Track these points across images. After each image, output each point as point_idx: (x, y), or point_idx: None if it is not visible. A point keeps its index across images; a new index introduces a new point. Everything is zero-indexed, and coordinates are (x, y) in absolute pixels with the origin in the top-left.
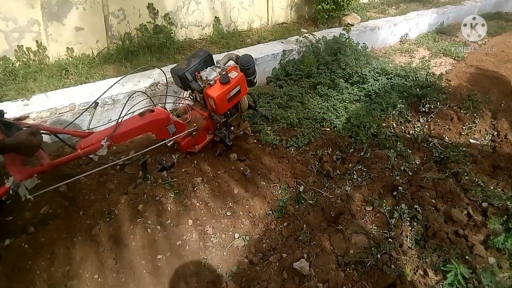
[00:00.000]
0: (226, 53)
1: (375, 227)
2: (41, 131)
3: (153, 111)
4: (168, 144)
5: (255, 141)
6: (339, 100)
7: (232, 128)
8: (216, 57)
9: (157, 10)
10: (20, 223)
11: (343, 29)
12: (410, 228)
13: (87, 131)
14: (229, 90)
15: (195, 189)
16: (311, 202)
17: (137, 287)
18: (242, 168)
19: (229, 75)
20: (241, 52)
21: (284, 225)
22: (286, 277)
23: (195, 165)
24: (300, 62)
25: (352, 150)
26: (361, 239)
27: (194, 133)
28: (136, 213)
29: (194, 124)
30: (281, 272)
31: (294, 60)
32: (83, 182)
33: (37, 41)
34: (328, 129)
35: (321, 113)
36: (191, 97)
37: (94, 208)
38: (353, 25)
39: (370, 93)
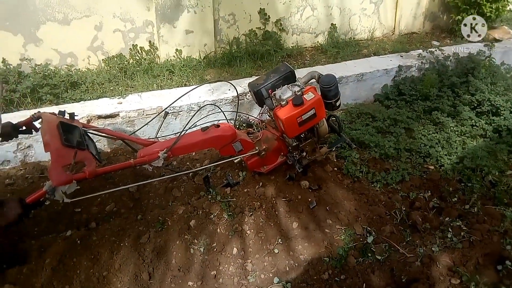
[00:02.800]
0: (309, 71)
1: None
2: (108, 136)
3: (218, 126)
4: (235, 161)
5: (335, 169)
6: (457, 132)
7: (305, 153)
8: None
9: (269, 16)
10: (85, 217)
11: (484, 45)
12: None
13: (152, 139)
14: (300, 114)
15: (250, 214)
16: (379, 258)
17: None
18: (309, 200)
19: (304, 96)
20: (348, 64)
21: (340, 278)
22: None
23: (259, 187)
24: (419, 81)
25: (456, 199)
26: None
27: (262, 154)
28: (186, 228)
29: (264, 145)
30: None
31: (411, 78)
32: (153, 185)
33: (149, 42)
34: (433, 167)
35: (428, 146)
36: (269, 114)
37: (152, 214)
38: (501, 41)
39: (501, 129)
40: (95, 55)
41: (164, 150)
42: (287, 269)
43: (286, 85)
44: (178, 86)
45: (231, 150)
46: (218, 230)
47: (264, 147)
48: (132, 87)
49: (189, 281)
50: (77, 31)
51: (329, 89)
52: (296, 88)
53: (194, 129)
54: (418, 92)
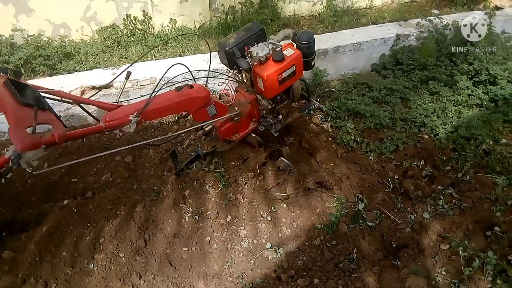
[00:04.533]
0: (282, 30)
1: (443, 273)
2: (64, 100)
3: (192, 86)
4: (206, 129)
5: (329, 138)
6: (452, 102)
7: (280, 117)
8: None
9: None
10: (81, 186)
11: (485, 13)
12: (490, 286)
13: (116, 103)
14: (282, 70)
15: (244, 183)
16: (371, 224)
17: (154, 275)
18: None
19: (284, 52)
20: (345, 33)
21: (331, 244)
22: None
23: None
24: (417, 50)
25: (448, 168)
26: (419, 283)
27: (236, 119)
28: (181, 197)
29: (237, 108)
30: None
31: (409, 48)
32: (149, 155)
33: (143, 11)
34: (427, 136)
35: (423, 116)
36: (237, 78)
37: (148, 183)
38: (502, 8)
39: (497, 98)
40: (89, 25)
41: (135, 114)
42: (279, 235)
43: (262, 43)
44: (172, 57)
45: (205, 115)
46: (213, 199)
47: (237, 111)
48: (125, 57)
49: (184, 247)
50: (70, 1)
51: (307, 45)
52: (273, 45)
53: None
54: (415, 62)
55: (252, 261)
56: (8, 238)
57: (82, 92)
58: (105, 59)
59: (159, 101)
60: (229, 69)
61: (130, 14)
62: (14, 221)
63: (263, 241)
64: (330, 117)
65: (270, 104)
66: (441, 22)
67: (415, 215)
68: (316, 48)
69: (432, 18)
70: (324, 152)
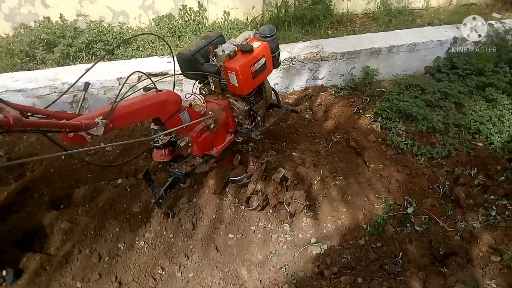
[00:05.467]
0: (241, 33)
1: (493, 285)
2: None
3: (160, 90)
4: (181, 144)
5: (378, 139)
6: (510, 110)
7: (259, 118)
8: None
9: None
10: (133, 168)
11: None
12: None
13: (77, 113)
14: (253, 61)
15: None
16: (418, 229)
17: (200, 258)
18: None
19: (254, 44)
20: (400, 33)
21: (376, 245)
22: None
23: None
24: (474, 54)
25: (503, 178)
26: None
27: (212, 126)
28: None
29: (210, 112)
30: None
31: (466, 52)
32: None
33: (198, 2)
34: (481, 144)
35: (478, 123)
36: (204, 91)
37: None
38: None
39: None
40: (146, 14)
41: (102, 116)
42: (324, 231)
43: (227, 42)
44: None
45: (179, 122)
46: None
47: (213, 116)
48: (180, 47)
49: (230, 234)
50: None
51: (271, 38)
52: (238, 42)
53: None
54: (472, 67)
55: (295, 254)
56: (66, 210)
57: (139, 78)
58: (161, 47)
59: (129, 104)
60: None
61: (185, 5)
62: (72, 195)
63: (308, 235)
64: (380, 117)
65: (246, 105)
66: (503, 26)
67: (465, 223)
68: (369, 47)
69: (493, 22)
70: (373, 152)
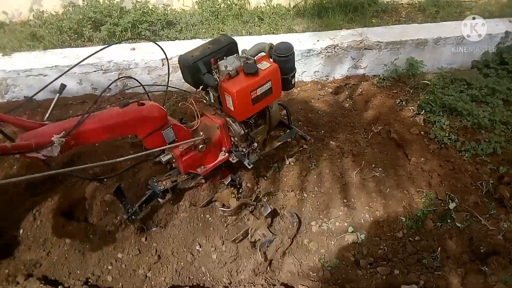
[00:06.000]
0: (257, 43)
1: None
2: None
3: (142, 104)
4: (163, 160)
5: (422, 132)
6: None
7: (255, 145)
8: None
9: None
10: None
11: None
12: None
13: (40, 122)
14: (255, 86)
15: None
16: (459, 225)
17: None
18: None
19: (258, 65)
20: (447, 25)
21: (414, 239)
22: None
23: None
24: None
25: None
26: None
27: (201, 146)
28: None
29: (202, 133)
30: None
31: None
32: None
33: None
34: None
35: None
36: (206, 100)
37: None
38: None
39: None
40: None
41: (62, 133)
42: (362, 221)
43: (232, 56)
44: (266, 34)
45: (160, 140)
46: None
47: (205, 137)
48: (222, 31)
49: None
50: None
51: (286, 59)
52: (246, 58)
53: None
54: None
55: (332, 242)
56: (108, 183)
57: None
58: (204, 30)
59: (98, 119)
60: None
61: None
62: (114, 169)
63: (345, 224)
64: (423, 110)
65: (243, 129)
66: None
67: (509, 223)
68: (415, 37)
69: None
70: (415, 145)
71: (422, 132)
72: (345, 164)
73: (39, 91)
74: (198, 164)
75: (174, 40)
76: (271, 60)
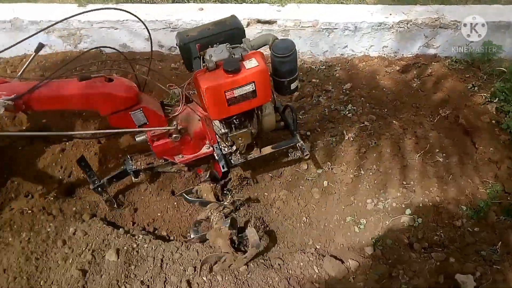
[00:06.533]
0: (264, 34)
1: None
2: None
3: (111, 80)
4: (137, 140)
5: (493, 121)
6: None
7: (234, 148)
8: None
9: None
10: None
11: None
12: None
13: (3, 78)
14: (232, 86)
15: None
16: None
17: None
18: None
19: (244, 62)
20: None
21: (473, 229)
22: (440, 282)
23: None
24: None
25: None
26: None
27: (174, 136)
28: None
29: (181, 124)
30: (438, 274)
31: None
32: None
33: None
34: None
35: None
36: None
37: None
38: None
39: None
40: None
41: (13, 96)
42: (420, 205)
43: (225, 44)
44: (335, 3)
45: (128, 121)
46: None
47: (180, 127)
48: None
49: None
50: None
51: (282, 60)
52: (238, 50)
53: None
54: None
55: (387, 222)
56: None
57: (248, 24)
58: None
59: (55, 88)
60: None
61: None
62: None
63: (403, 206)
64: (497, 98)
65: (223, 128)
66: None
67: None
68: (497, 20)
69: None
70: (485, 134)
71: (493, 121)
72: (407, 145)
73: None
74: (175, 152)
75: (241, 3)
76: (262, 57)
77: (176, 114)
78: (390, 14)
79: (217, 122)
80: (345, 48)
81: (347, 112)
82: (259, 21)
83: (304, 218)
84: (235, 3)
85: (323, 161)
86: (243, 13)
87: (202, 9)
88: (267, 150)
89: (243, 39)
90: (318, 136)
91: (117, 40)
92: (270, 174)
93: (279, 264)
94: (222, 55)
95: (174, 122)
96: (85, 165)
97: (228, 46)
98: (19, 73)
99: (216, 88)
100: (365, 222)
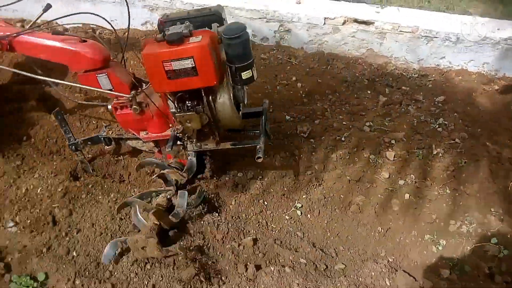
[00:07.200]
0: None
1: None
2: None
3: (85, 41)
4: (108, 107)
5: None
6: None
7: (179, 127)
8: None
9: None
10: None
11: None
12: None
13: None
14: (170, 56)
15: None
16: None
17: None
18: None
19: (191, 38)
20: None
21: None
22: None
23: None
24: None
25: None
26: None
27: (135, 108)
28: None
29: (145, 99)
30: None
31: None
32: None
33: None
34: None
35: None
36: None
37: None
38: None
39: None
40: None
41: (1, 34)
42: (509, 236)
43: (187, 23)
44: (437, 11)
45: (94, 82)
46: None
47: (141, 100)
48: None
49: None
50: None
51: (229, 42)
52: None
53: None
54: None
55: (468, 247)
56: None
57: (344, 22)
58: None
59: (37, 37)
60: None
61: None
62: None
63: (489, 234)
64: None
65: (174, 107)
66: None
67: None
68: None
69: None
70: None
71: None
72: (500, 171)
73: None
74: (139, 126)
75: (339, 0)
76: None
77: (144, 88)
78: (498, 29)
79: (169, 102)
80: (442, 59)
81: (437, 126)
82: (356, 21)
83: (380, 228)
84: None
85: (406, 172)
86: (340, 10)
87: (300, 2)
88: (226, 145)
89: (212, 24)
90: (404, 146)
91: None
92: (349, 177)
93: (348, 270)
94: (176, 30)
95: (143, 98)
96: (61, 118)
97: (190, 25)
98: (29, 25)
99: (154, 56)
100: (444, 243)
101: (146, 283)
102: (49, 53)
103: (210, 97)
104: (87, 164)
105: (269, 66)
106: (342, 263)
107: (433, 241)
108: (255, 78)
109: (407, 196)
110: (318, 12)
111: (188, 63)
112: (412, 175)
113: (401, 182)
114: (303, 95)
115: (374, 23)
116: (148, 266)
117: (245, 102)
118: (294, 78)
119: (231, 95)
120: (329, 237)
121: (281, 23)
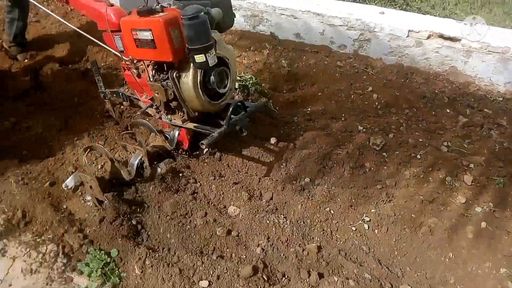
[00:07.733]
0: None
1: None
2: None
3: (112, 5)
4: (122, 60)
5: None
6: None
7: (145, 96)
8: None
9: None
10: None
11: None
12: None
13: None
14: (134, 25)
15: None
16: None
17: None
18: None
19: (160, 13)
20: None
21: None
22: None
23: None
24: None
25: None
26: None
27: (132, 70)
28: None
29: (130, 57)
30: None
31: None
32: None
33: None
34: None
35: None
36: None
37: None
38: None
39: None
40: None
41: None
42: None
43: (178, 2)
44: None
45: (111, 42)
46: None
47: (128, 60)
48: (474, 16)
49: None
50: None
51: (184, 23)
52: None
53: None
54: None
55: None
56: None
57: (429, 36)
58: (460, 12)
59: None
60: None
61: None
62: None
63: None
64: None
65: (147, 75)
66: None
67: None
68: None
69: None
70: None
71: None
72: None
73: None
74: (139, 89)
75: (425, 15)
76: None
77: None
78: None
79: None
80: None
81: None
82: (441, 36)
83: (451, 254)
84: (417, 12)
85: (484, 199)
86: (425, 24)
87: (383, 13)
88: (190, 125)
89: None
90: (483, 171)
91: (293, 29)
92: (422, 197)
93: None
94: (152, 4)
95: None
96: (95, 68)
97: (180, 3)
98: None
99: (126, 23)
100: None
101: (211, 272)
102: (86, 10)
103: (174, 74)
104: (112, 110)
105: (344, 74)
106: (408, 285)
107: (510, 276)
108: (210, 64)
109: (483, 224)
110: (402, 24)
111: (148, 35)
112: (490, 203)
113: (478, 209)
114: (378, 107)
115: (460, 40)
116: (213, 257)
117: (228, 92)
118: (370, 89)
119: (198, 77)
120: (396, 256)
121: (362, 32)
